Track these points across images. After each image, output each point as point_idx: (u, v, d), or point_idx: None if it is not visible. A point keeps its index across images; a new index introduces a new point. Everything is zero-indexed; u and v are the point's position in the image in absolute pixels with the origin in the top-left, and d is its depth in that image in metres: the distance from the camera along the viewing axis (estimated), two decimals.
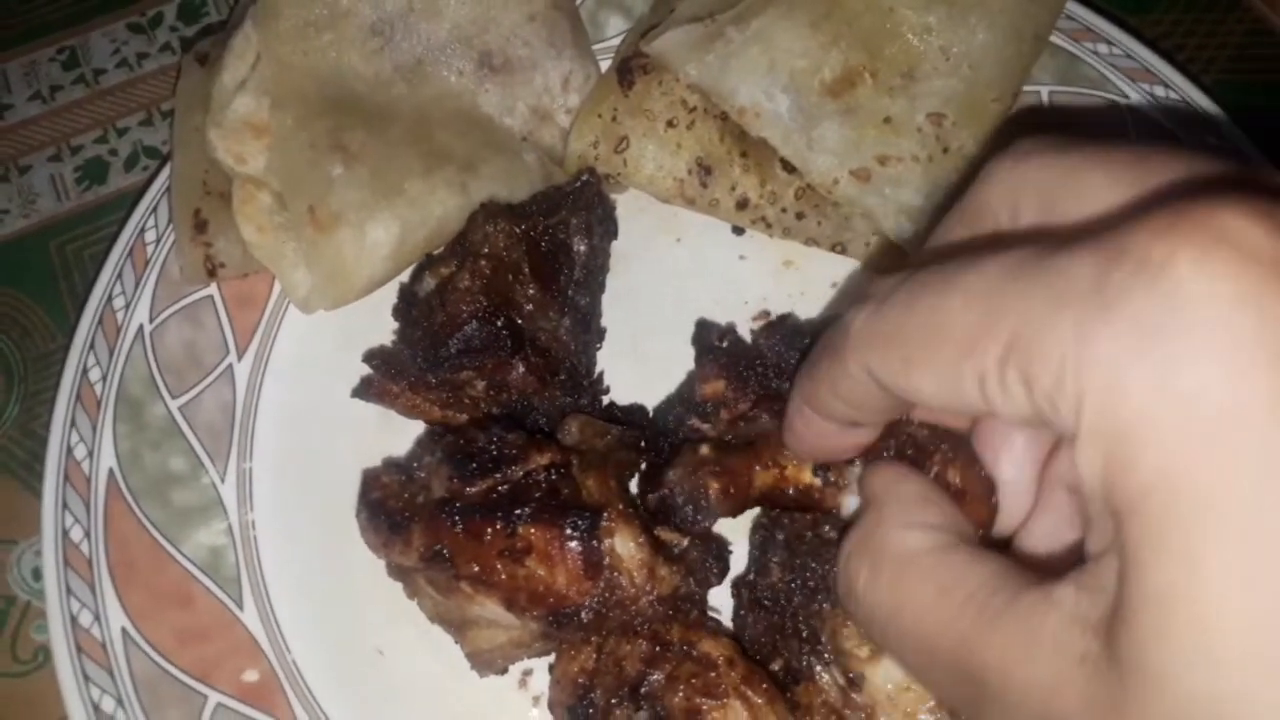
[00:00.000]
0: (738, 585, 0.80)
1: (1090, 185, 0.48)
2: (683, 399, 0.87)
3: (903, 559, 0.54)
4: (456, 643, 0.81)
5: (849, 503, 0.75)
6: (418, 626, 0.82)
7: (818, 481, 0.76)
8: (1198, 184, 0.43)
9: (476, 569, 0.74)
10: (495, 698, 0.84)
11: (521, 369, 0.83)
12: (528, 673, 0.85)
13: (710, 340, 0.86)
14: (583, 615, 0.74)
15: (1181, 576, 0.37)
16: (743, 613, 0.78)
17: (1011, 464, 0.62)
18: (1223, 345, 0.36)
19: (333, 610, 0.85)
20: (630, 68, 0.97)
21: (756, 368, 0.82)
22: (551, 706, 0.80)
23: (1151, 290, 0.38)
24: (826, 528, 0.76)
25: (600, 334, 0.93)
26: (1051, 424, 0.42)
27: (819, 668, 0.73)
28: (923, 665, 0.51)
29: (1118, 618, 0.39)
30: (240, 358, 0.91)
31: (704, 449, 0.80)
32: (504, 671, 0.83)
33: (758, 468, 0.79)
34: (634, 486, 0.86)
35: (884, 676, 0.71)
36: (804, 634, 0.73)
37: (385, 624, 0.85)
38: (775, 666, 0.76)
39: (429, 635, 0.81)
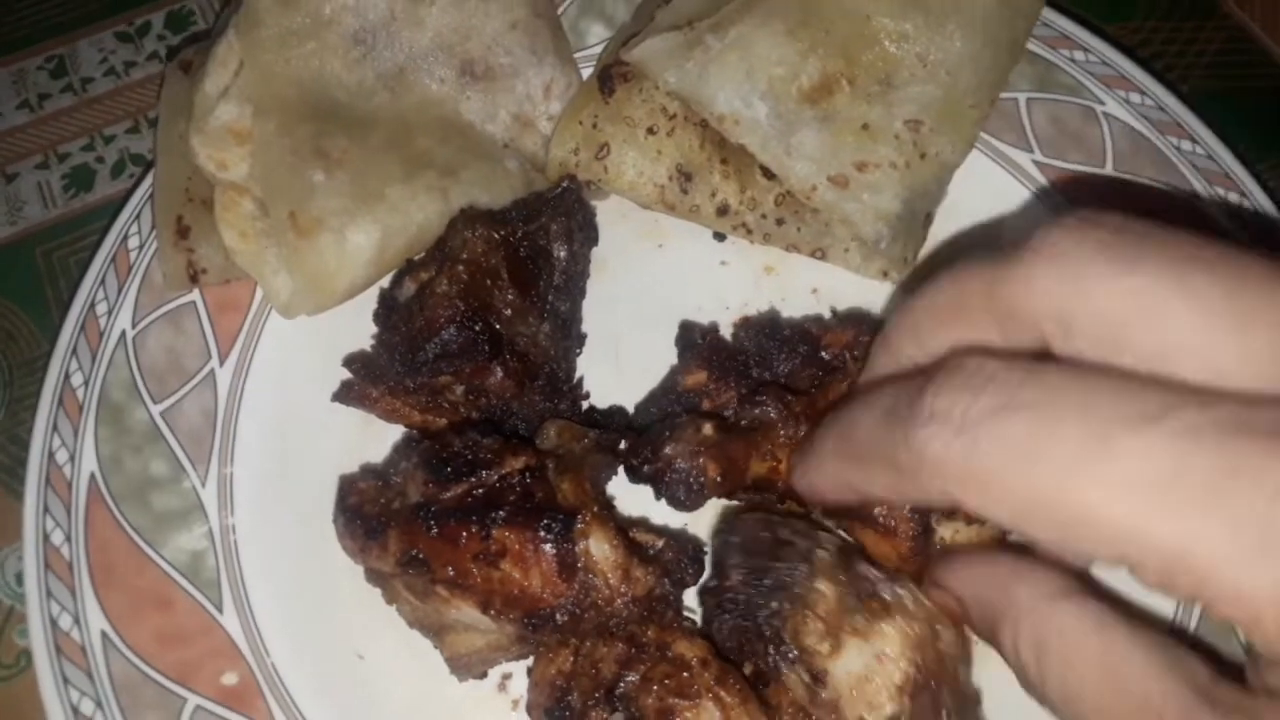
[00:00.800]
0: (703, 593, 0.81)
1: (1175, 323, 0.43)
2: (665, 391, 0.88)
3: (1066, 641, 0.50)
4: (435, 647, 0.81)
5: None
6: (397, 631, 0.82)
7: None
8: None
9: (452, 572, 0.75)
10: (475, 702, 0.85)
11: (500, 374, 0.84)
12: (507, 676, 0.86)
13: (693, 337, 0.88)
14: (558, 617, 0.74)
15: None
16: (709, 620, 0.79)
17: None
18: None
19: (312, 614, 0.85)
20: (611, 75, 0.97)
21: (737, 358, 0.84)
22: (530, 709, 0.80)
23: None
24: (784, 531, 0.77)
25: (580, 339, 0.94)
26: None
27: (784, 668, 0.73)
28: None
29: None
30: (222, 363, 0.91)
31: (707, 428, 0.80)
32: (483, 675, 0.84)
33: (755, 457, 0.80)
34: (620, 489, 0.87)
35: (846, 670, 0.71)
36: (767, 635, 0.74)
37: (365, 628, 0.85)
38: (746, 670, 0.76)
39: (408, 640, 0.82)
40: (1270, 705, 0.42)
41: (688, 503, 0.80)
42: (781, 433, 0.80)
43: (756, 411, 0.81)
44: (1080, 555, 0.48)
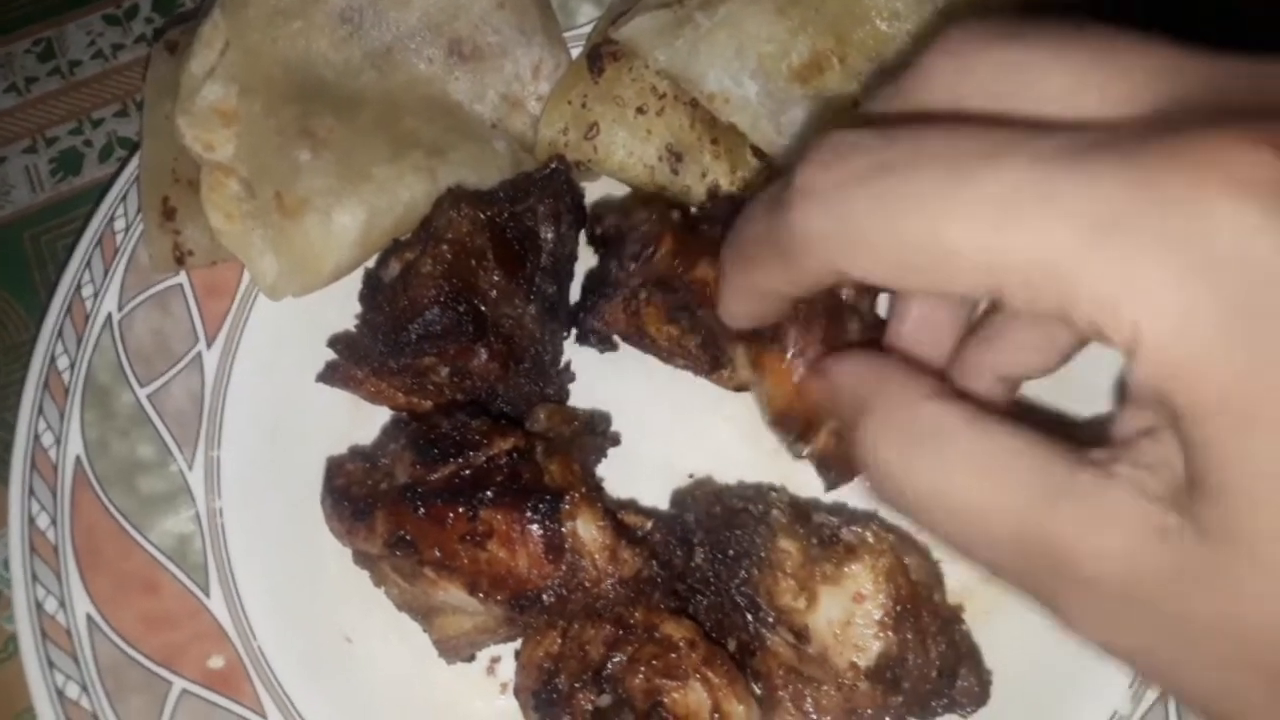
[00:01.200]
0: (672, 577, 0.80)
1: (1049, 83, 0.45)
2: (623, 244, 0.88)
3: (937, 436, 0.50)
4: (424, 630, 0.81)
5: None
6: (385, 614, 0.81)
7: None
8: (1188, 84, 0.42)
9: (439, 554, 0.75)
10: (464, 684, 0.84)
11: (484, 355, 0.83)
12: (496, 659, 0.85)
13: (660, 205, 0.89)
14: (545, 598, 0.74)
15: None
16: (683, 606, 0.79)
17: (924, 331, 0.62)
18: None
19: (300, 597, 0.85)
20: (600, 54, 0.96)
21: (699, 226, 0.85)
22: (518, 692, 0.80)
23: (1197, 227, 0.37)
24: (734, 500, 0.78)
25: (568, 322, 0.93)
26: (1085, 333, 0.42)
27: (766, 633, 0.74)
28: (979, 546, 0.49)
29: (1200, 491, 0.40)
30: (209, 345, 0.91)
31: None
32: (472, 658, 0.83)
33: (707, 259, 0.82)
34: (609, 472, 0.86)
35: (826, 620, 0.72)
36: (742, 605, 0.74)
37: (353, 611, 0.85)
38: (731, 646, 0.76)
39: (397, 623, 0.81)
40: (1117, 484, 0.42)
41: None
42: None
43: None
44: (960, 295, 0.48)
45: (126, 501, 0.85)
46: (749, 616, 0.75)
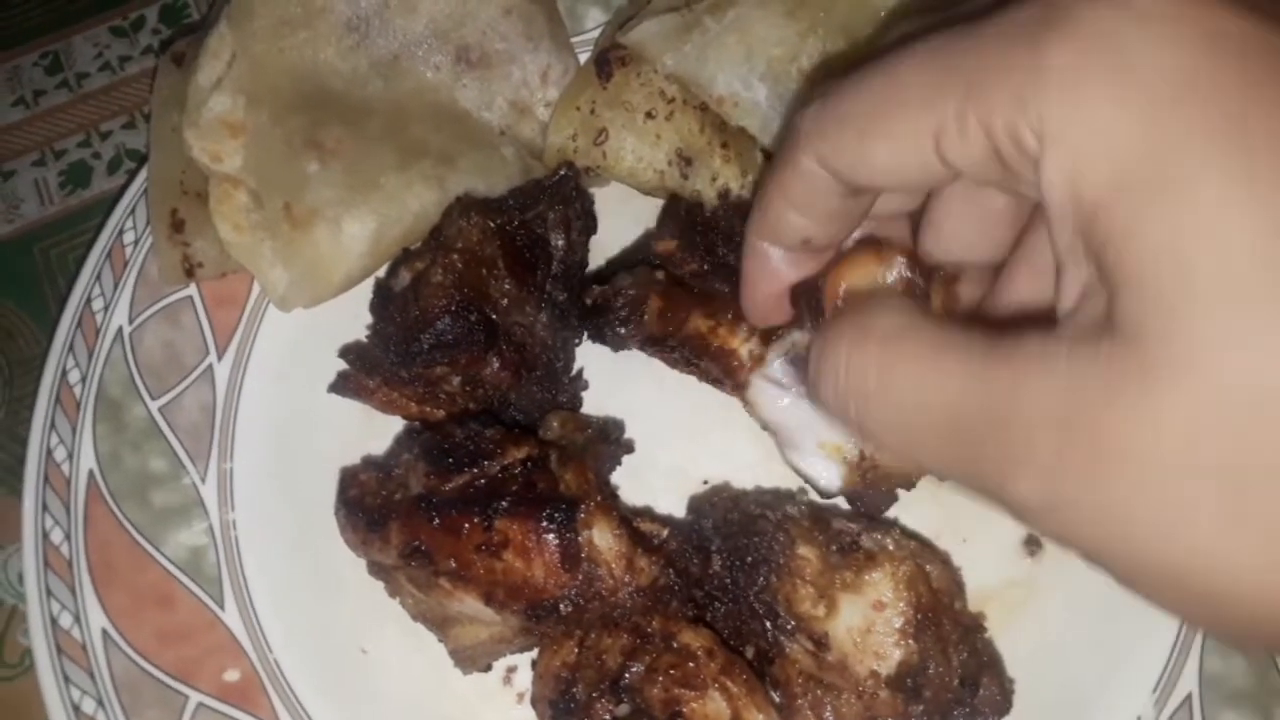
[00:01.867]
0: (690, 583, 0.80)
1: None
2: (634, 254, 0.90)
3: (891, 331, 0.52)
4: (439, 640, 0.80)
5: (771, 358, 0.80)
6: (401, 625, 0.81)
7: (742, 351, 0.81)
8: None
9: (454, 564, 0.74)
10: (480, 695, 0.84)
11: (496, 364, 0.83)
12: (512, 669, 0.85)
13: (678, 208, 0.90)
14: (561, 608, 0.73)
15: (1200, 272, 0.39)
16: (704, 612, 0.78)
17: (974, 232, 0.64)
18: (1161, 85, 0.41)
19: (315, 609, 0.85)
20: (608, 59, 0.96)
21: (710, 234, 0.85)
22: (535, 702, 0.79)
23: (1098, 26, 0.42)
24: (752, 506, 0.77)
25: (580, 330, 0.92)
26: (1014, 168, 0.45)
27: (785, 641, 0.73)
28: (917, 432, 0.50)
29: (1113, 300, 0.41)
30: (220, 358, 0.91)
31: (660, 274, 0.86)
32: (488, 669, 0.83)
33: (697, 312, 0.83)
34: (623, 480, 0.86)
35: (846, 627, 0.71)
36: (761, 612, 0.74)
37: (368, 623, 0.85)
38: (749, 654, 0.76)
39: (412, 633, 0.81)
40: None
41: (623, 324, 0.84)
42: (730, 311, 0.82)
43: (716, 286, 0.84)
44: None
45: (140, 515, 0.85)
46: (768, 624, 0.74)
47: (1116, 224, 0.41)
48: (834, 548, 0.75)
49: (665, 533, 0.78)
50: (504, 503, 0.73)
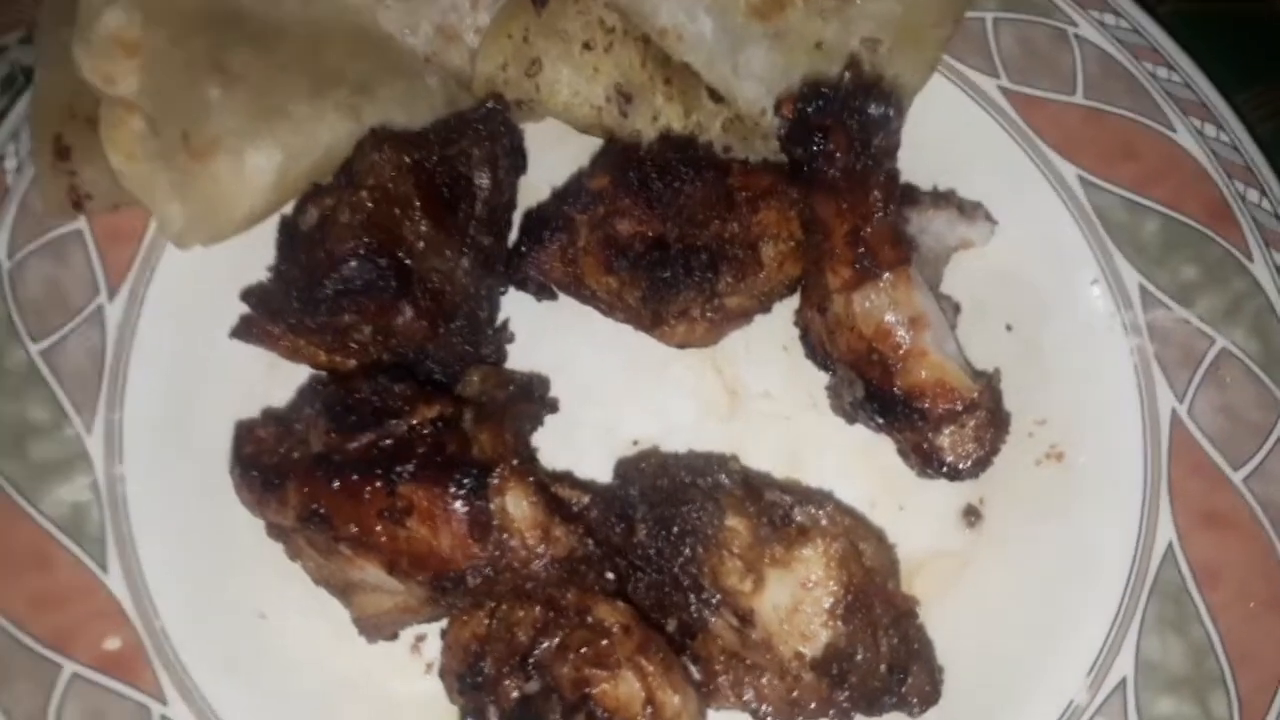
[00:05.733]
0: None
1: None
2: (566, 191, 0.85)
3: None
4: (344, 606, 0.75)
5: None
6: (302, 588, 0.76)
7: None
8: None
9: (355, 530, 0.69)
10: (386, 664, 0.79)
11: (410, 313, 0.77)
12: (421, 637, 0.80)
13: (613, 147, 0.86)
14: (470, 580, 0.68)
15: None
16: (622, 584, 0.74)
17: None
18: None
19: (209, 572, 0.79)
20: None
21: (644, 168, 0.80)
22: (443, 674, 0.75)
23: None
24: (683, 473, 0.73)
25: (505, 277, 0.86)
26: None
27: (709, 615, 0.70)
28: None
29: None
30: (112, 298, 0.83)
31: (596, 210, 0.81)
32: (394, 637, 0.78)
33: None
34: (544, 441, 0.81)
35: (772, 604, 0.69)
36: (685, 584, 0.71)
37: (268, 586, 0.79)
38: (670, 626, 0.72)
39: (314, 597, 0.76)
40: None
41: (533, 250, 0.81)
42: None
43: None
44: None
45: (15, 468, 0.78)
46: (691, 597, 0.71)
47: None
48: (765, 520, 0.72)
49: (587, 499, 0.73)
50: (409, 466, 0.67)
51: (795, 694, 0.69)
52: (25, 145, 0.85)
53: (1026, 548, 0.82)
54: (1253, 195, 0.84)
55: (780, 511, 0.72)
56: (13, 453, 0.78)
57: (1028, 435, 0.83)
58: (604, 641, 0.68)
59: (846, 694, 0.69)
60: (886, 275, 0.75)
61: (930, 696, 0.72)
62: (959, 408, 0.74)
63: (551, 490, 0.71)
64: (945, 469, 0.76)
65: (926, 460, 0.77)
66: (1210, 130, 0.85)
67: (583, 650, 0.68)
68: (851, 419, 0.81)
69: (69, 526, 0.77)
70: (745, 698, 0.71)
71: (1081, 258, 0.85)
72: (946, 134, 0.89)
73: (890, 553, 0.75)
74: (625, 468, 0.78)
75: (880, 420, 0.78)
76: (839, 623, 0.68)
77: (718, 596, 0.70)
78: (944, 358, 0.76)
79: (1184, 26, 0.94)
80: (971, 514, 0.83)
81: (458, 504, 0.67)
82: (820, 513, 0.71)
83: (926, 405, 0.75)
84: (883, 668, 0.69)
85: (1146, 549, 0.80)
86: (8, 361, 0.80)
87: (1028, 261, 0.86)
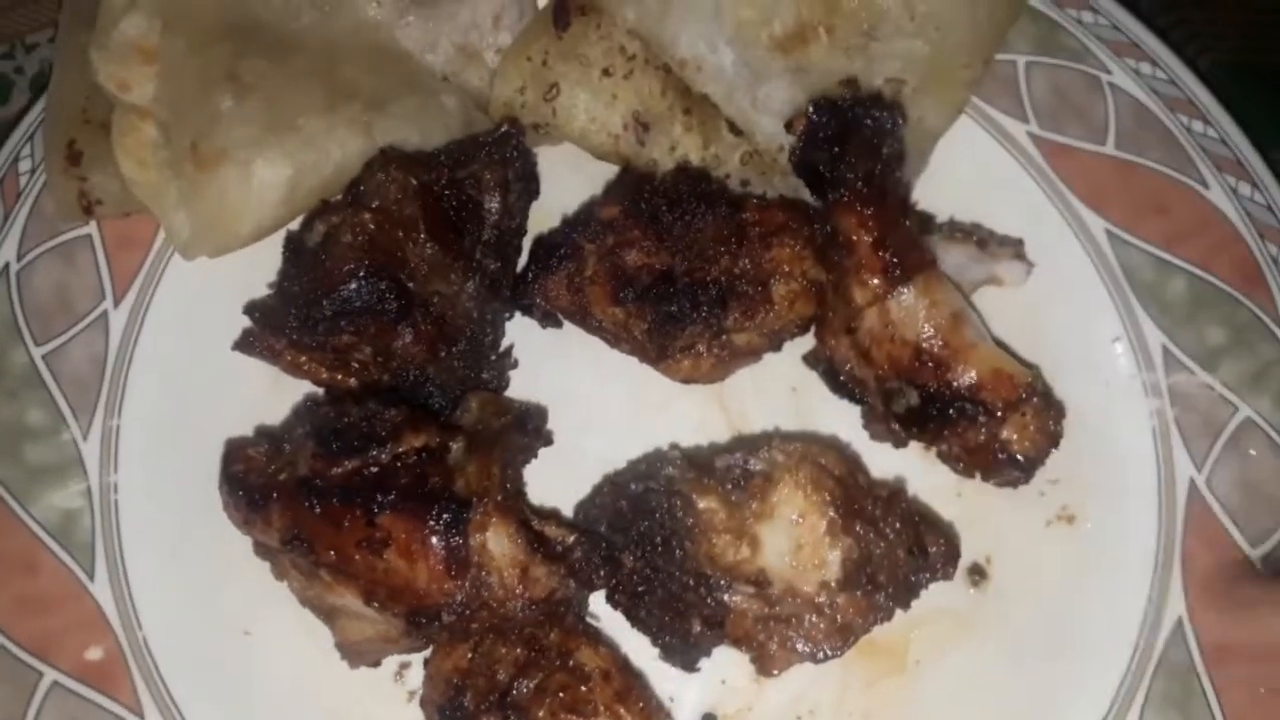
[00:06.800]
0: (609, 597, 0.75)
1: None
2: (576, 219, 0.85)
3: None
4: (329, 628, 0.74)
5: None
6: (289, 608, 0.75)
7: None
8: None
9: (334, 557, 0.68)
10: (369, 689, 0.79)
11: (409, 337, 0.75)
12: (405, 665, 0.79)
13: (627, 175, 0.86)
14: (444, 616, 0.67)
15: None
16: (633, 615, 0.74)
17: None
18: None
19: (196, 585, 0.79)
20: (567, 7, 0.87)
21: (656, 198, 0.79)
22: (424, 703, 0.74)
23: None
24: (635, 485, 0.74)
25: (512, 302, 0.85)
26: None
27: (726, 597, 0.71)
28: None
29: None
30: (117, 304, 0.83)
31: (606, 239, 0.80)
32: (377, 664, 0.77)
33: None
34: (534, 476, 0.79)
35: (776, 555, 0.70)
36: (693, 584, 0.71)
37: (255, 604, 0.79)
38: (697, 627, 0.72)
39: (301, 619, 0.75)
40: None
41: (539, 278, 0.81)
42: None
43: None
44: None
45: (10, 471, 0.78)
46: (702, 590, 0.71)
47: None
48: (729, 486, 0.73)
49: (571, 539, 0.71)
50: (390, 496, 0.66)
51: (840, 619, 0.70)
52: (40, 148, 0.86)
53: (1031, 612, 0.79)
54: None
55: (737, 471, 0.73)
56: (9, 455, 0.79)
57: (1039, 494, 0.81)
58: (583, 687, 0.67)
59: (884, 593, 0.71)
60: (919, 277, 0.75)
61: (953, 554, 0.74)
62: (1020, 395, 0.74)
63: (535, 528, 0.70)
64: (1019, 462, 0.75)
65: (994, 460, 0.76)
66: (1245, 189, 0.82)
67: (560, 694, 0.67)
68: (901, 440, 0.80)
69: (59, 532, 0.77)
70: (800, 649, 0.71)
71: (1105, 313, 0.83)
72: (972, 178, 0.86)
73: (848, 450, 0.79)
74: (584, 509, 0.78)
75: (937, 426, 0.76)
76: (843, 537, 0.70)
77: (724, 577, 0.71)
78: (993, 348, 0.76)
79: (1225, 78, 0.91)
80: (977, 573, 0.81)
81: (435, 538, 0.66)
82: (772, 453, 0.73)
83: (987, 397, 0.74)
84: (900, 553, 0.71)
85: (1154, 623, 0.77)
86: (9, 363, 0.81)
87: (1049, 313, 0.83)
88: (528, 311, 0.84)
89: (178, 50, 0.82)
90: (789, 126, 0.80)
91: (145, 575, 0.78)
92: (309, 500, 0.68)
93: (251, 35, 0.84)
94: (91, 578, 0.76)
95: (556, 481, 0.81)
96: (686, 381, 0.84)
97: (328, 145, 0.82)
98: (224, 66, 0.82)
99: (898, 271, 0.75)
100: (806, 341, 0.83)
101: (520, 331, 0.85)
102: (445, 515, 0.66)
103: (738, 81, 0.84)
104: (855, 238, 0.76)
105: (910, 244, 0.76)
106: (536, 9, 0.92)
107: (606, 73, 0.87)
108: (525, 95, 0.88)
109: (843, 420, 0.83)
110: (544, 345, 0.85)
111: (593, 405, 0.85)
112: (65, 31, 0.86)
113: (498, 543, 0.67)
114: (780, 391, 0.86)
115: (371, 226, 0.74)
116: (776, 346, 0.84)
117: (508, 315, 0.85)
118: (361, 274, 0.73)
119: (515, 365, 0.84)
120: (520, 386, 0.84)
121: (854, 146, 0.76)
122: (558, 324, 0.84)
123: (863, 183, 0.76)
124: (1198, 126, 0.84)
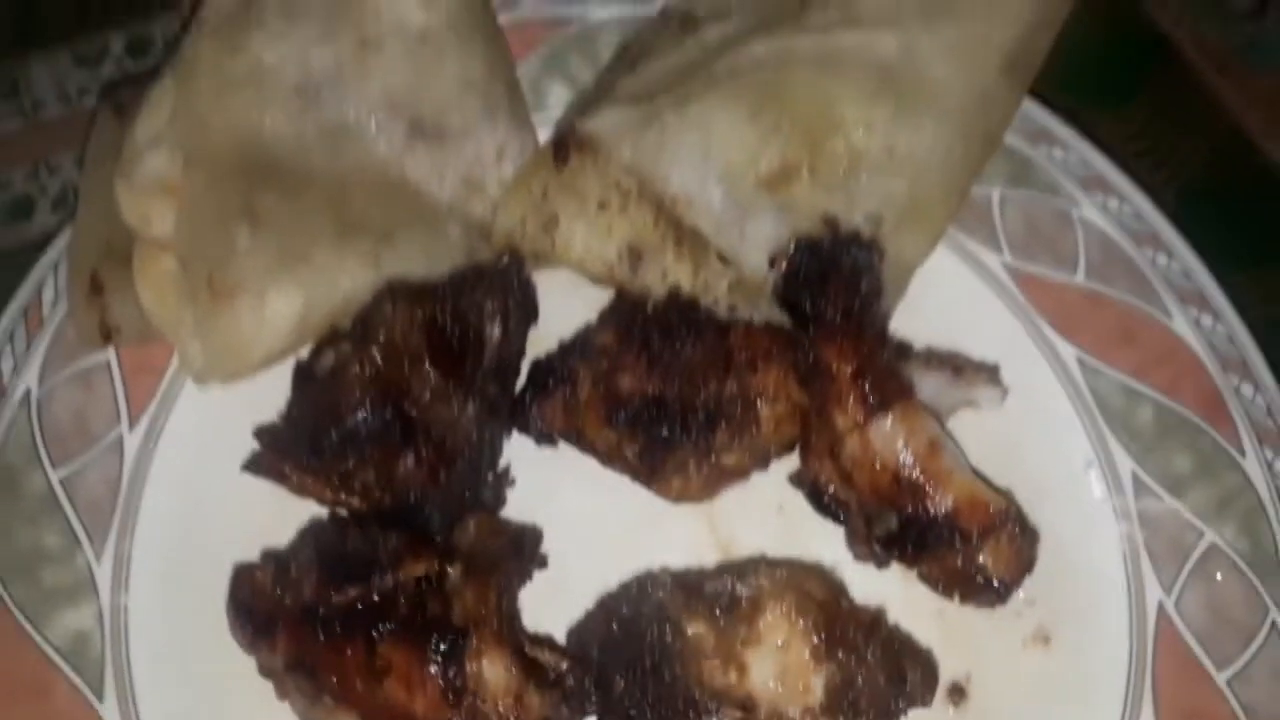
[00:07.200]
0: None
1: None
2: (572, 344, 0.88)
3: None
4: None
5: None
6: None
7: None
8: None
9: (336, 683, 0.71)
10: None
11: (411, 461, 0.79)
12: None
13: (623, 303, 0.90)
14: None
15: None
16: None
17: None
18: None
19: (202, 706, 0.81)
20: (566, 144, 0.92)
21: (648, 327, 0.84)
22: None
23: None
24: (625, 609, 0.77)
25: (510, 423, 0.89)
26: None
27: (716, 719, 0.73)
28: None
29: None
30: (132, 428, 0.87)
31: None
32: None
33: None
34: (528, 600, 0.82)
35: (763, 680, 0.72)
36: (684, 708, 0.73)
37: None
38: None
39: None
40: None
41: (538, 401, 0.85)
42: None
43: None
44: None
45: (25, 593, 0.81)
46: (692, 715, 0.74)
47: None
48: (717, 611, 0.75)
49: (564, 665, 0.74)
50: (389, 626, 0.70)
51: None
52: (64, 276, 0.90)
53: None
54: (1247, 389, 0.84)
55: (725, 597, 0.76)
56: (26, 578, 0.81)
57: (1016, 615, 0.83)
58: None
59: (865, 718, 0.73)
60: (897, 406, 0.78)
61: (931, 681, 0.77)
62: (995, 521, 0.77)
63: (529, 654, 0.73)
64: (995, 586, 0.78)
65: (971, 583, 0.79)
66: (1206, 320, 0.86)
67: None
68: (883, 561, 0.82)
69: (70, 654, 0.80)
70: None
71: (1076, 440, 0.86)
72: (948, 306, 0.90)
73: (832, 576, 0.81)
74: (577, 634, 0.80)
75: (915, 550, 0.79)
76: (826, 664, 0.72)
77: (714, 701, 0.73)
78: (969, 475, 0.79)
79: (1194, 202, 0.96)
80: (957, 692, 0.83)
81: (433, 668, 0.69)
82: (758, 578, 0.76)
83: (963, 524, 0.77)
84: (881, 679, 0.73)
85: None
86: (29, 487, 0.84)
87: (1022, 439, 0.87)
88: (525, 429, 0.88)
89: (198, 185, 0.86)
90: (773, 263, 0.85)
91: (153, 696, 0.80)
92: (313, 628, 0.71)
93: (267, 171, 0.89)
94: (100, 699, 0.79)
95: (550, 599, 0.83)
96: (677, 500, 0.87)
97: (338, 276, 0.86)
98: (240, 201, 0.86)
99: (876, 401, 0.78)
100: (792, 461, 0.87)
101: (514, 448, 0.89)
102: (443, 645, 0.69)
103: (726, 217, 0.89)
104: (835, 368, 0.80)
105: (888, 375, 0.80)
106: (538, 144, 0.97)
107: (602, 206, 0.92)
108: (526, 226, 0.92)
109: (828, 539, 0.85)
110: (538, 462, 0.89)
111: (585, 523, 0.88)
112: (90, 168, 0.91)
113: (493, 671, 0.70)
114: (768, 510, 0.89)
115: (380, 360, 0.78)
116: (764, 466, 0.87)
117: (508, 435, 0.88)
118: (368, 405, 0.77)
119: (513, 484, 0.88)
120: (515, 503, 0.88)
121: (834, 284, 0.81)
122: (553, 443, 0.88)
123: (842, 318, 0.80)
124: (1161, 260, 0.88)
